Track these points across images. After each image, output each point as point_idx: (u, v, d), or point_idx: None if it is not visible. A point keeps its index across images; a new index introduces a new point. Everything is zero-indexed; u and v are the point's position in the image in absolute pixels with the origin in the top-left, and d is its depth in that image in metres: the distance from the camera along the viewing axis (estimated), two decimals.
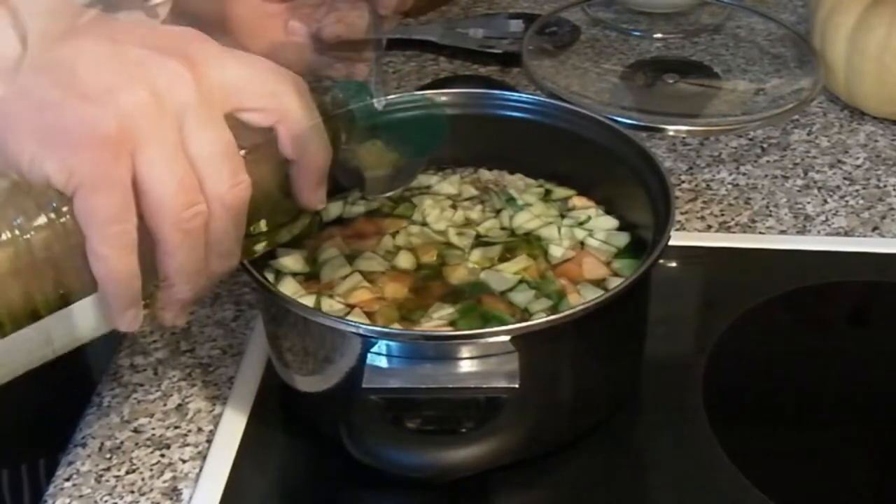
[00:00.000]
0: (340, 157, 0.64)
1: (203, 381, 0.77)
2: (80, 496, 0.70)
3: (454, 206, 0.80)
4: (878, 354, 0.80)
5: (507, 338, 0.63)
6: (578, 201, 0.81)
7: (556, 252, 0.76)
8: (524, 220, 0.79)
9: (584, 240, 0.77)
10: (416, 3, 0.83)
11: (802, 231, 0.91)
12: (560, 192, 0.82)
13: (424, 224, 0.79)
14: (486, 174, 0.84)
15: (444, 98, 0.82)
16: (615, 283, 0.73)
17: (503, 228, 0.79)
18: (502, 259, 0.75)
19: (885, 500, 0.71)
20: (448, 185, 0.83)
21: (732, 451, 0.70)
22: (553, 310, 0.70)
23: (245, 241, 0.59)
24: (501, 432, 0.62)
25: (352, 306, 0.71)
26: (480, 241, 0.77)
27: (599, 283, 0.73)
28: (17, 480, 0.83)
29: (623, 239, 0.78)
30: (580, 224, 0.79)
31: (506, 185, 0.83)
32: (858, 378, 0.78)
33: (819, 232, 0.91)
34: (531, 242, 0.77)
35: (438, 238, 0.77)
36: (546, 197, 0.82)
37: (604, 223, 0.79)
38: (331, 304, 0.71)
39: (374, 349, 0.63)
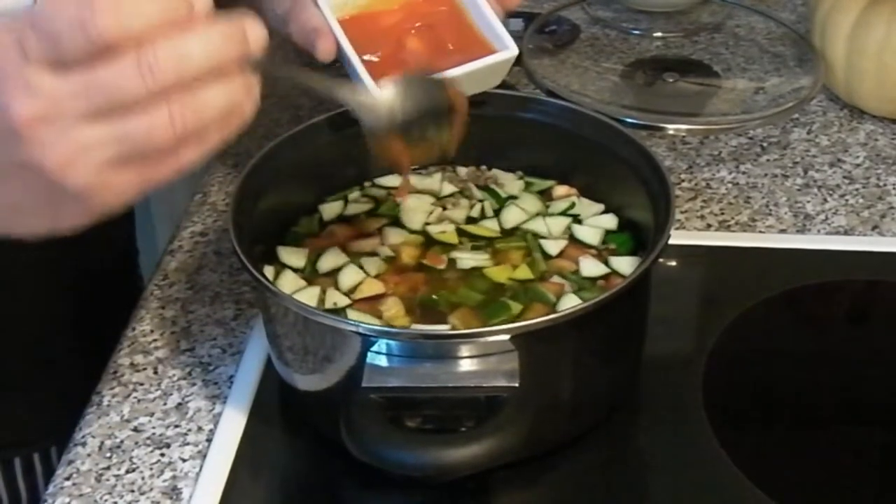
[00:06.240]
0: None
1: (203, 381, 0.77)
2: (80, 495, 0.70)
3: (444, 206, 0.81)
4: (877, 353, 0.80)
5: (506, 337, 0.63)
6: (560, 189, 0.82)
7: (551, 248, 0.76)
8: (514, 216, 0.79)
9: (570, 226, 0.78)
10: None
11: (802, 230, 0.91)
12: (540, 183, 0.82)
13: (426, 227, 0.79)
14: (462, 170, 0.84)
15: None
16: (615, 282, 0.73)
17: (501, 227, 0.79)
18: (499, 258, 0.75)
19: (884, 500, 0.71)
20: (431, 182, 0.83)
21: (732, 450, 0.70)
22: (552, 309, 0.71)
23: None
24: (501, 431, 0.62)
25: (355, 302, 0.72)
26: (477, 241, 0.77)
27: (598, 280, 0.73)
28: (30, 467, 0.84)
29: (611, 221, 0.78)
30: (564, 212, 0.79)
31: (487, 180, 0.83)
32: (858, 377, 0.78)
33: (819, 231, 0.91)
34: (525, 240, 0.77)
35: (440, 238, 0.77)
36: (528, 189, 0.82)
37: (588, 208, 0.80)
38: (334, 301, 0.72)
39: (374, 348, 0.63)
